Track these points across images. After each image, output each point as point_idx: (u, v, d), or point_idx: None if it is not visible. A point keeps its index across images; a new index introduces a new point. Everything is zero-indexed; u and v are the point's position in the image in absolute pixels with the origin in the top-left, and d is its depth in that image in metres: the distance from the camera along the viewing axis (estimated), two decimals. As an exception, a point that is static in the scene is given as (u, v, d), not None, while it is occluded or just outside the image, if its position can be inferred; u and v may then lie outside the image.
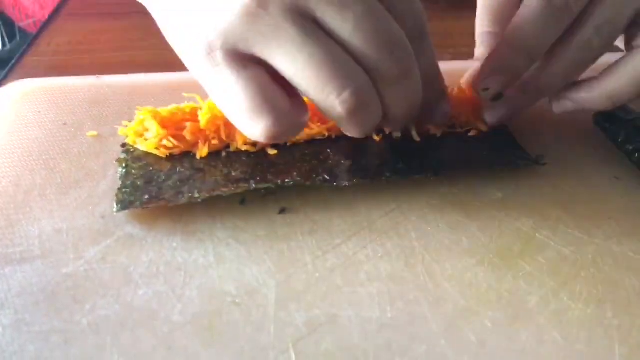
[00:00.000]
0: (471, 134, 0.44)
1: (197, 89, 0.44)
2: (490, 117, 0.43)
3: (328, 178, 0.39)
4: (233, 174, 0.39)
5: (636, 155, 0.41)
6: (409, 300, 0.32)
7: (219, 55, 0.31)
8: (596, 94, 0.40)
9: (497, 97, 0.40)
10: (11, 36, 0.97)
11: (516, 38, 0.38)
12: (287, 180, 0.39)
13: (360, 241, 0.36)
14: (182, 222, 0.37)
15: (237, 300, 0.32)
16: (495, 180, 0.41)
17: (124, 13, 0.65)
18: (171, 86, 0.50)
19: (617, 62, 0.39)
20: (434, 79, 0.38)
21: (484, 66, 0.40)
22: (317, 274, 0.34)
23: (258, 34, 0.31)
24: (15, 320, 0.31)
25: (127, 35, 0.61)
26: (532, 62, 0.39)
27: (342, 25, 0.31)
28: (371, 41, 0.31)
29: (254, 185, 0.38)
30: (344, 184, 0.38)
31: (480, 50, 0.45)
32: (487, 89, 0.39)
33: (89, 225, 0.36)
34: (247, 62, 0.32)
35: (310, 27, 0.31)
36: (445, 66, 0.40)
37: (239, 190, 0.38)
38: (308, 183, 0.38)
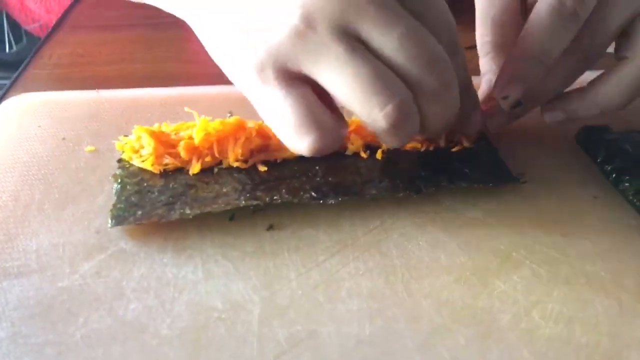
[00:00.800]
0: (455, 149, 0.45)
1: (194, 104, 0.47)
2: (491, 124, 0.45)
3: (315, 195, 0.40)
4: (224, 190, 0.41)
5: (613, 175, 0.43)
6: (387, 317, 0.34)
7: (269, 74, 0.34)
8: (586, 103, 0.42)
9: (517, 104, 0.42)
10: (18, 39, 0.99)
11: (530, 46, 0.40)
12: (275, 198, 0.40)
13: (343, 258, 0.37)
14: (173, 238, 0.38)
15: (222, 316, 0.34)
16: (476, 197, 0.42)
17: (127, 25, 0.66)
18: (169, 101, 0.52)
19: (607, 72, 0.41)
20: (468, 89, 0.40)
21: (501, 75, 0.42)
22: (300, 291, 0.35)
23: (307, 53, 0.33)
24: (12, 333, 0.32)
25: (129, 48, 0.63)
26: (546, 70, 0.40)
27: (387, 44, 0.33)
28: (414, 59, 0.33)
29: (243, 202, 0.40)
30: (330, 202, 0.40)
31: (485, 61, 0.46)
32: (506, 97, 0.41)
33: (84, 240, 0.38)
34: (295, 80, 0.34)
35: (356, 45, 0.33)
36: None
37: (228, 207, 0.39)
38: (295, 200, 0.40)
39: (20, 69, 0.59)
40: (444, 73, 0.35)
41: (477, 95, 0.43)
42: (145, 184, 0.42)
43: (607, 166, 0.44)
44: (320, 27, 0.32)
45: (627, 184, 0.42)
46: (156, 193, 0.41)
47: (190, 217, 0.38)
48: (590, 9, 0.39)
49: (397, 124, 0.34)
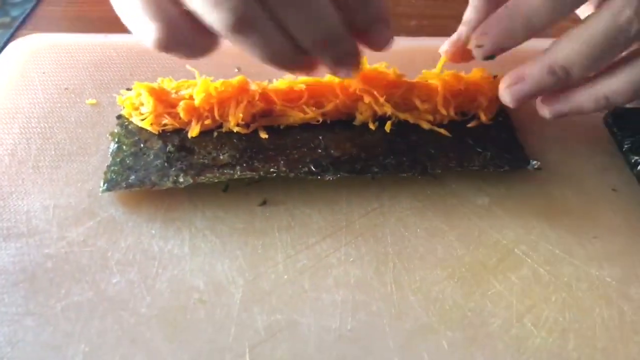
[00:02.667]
0: (470, 124, 0.43)
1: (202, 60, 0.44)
2: (507, 96, 0.40)
3: (314, 170, 0.39)
4: (221, 157, 0.40)
5: (638, 167, 0.40)
6: (371, 312, 0.33)
7: None
8: (592, 95, 0.38)
9: (489, 57, 0.38)
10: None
11: (518, 4, 0.36)
12: (272, 170, 0.39)
13: (334, 242, 0.36)
14: (164, 207, 0.37)
15: (203, 297, 0.33)
16: (485, 182, 0.40)
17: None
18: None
19: (614, 64, 0.37)
20: (330, 45, 0.34)
21: (484, 24, 0.38)
22: (286, 276, 0.34)
23: None
24: (-7, 301, 0.32)
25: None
26: (530, 33, 0.37)
27: None
28: None
29: (238, 174, 0.38)
30: (327, 178, 0.38)
31: (469, 14, 0.41)
32: (481, 46, 0.38)
33: (75, 204, 0.37)
34: None
35: None
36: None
37: (222, 178, 0.38)
38: (292, 174, 0.38)
39: (33, 4, 0.57)
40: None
41: (384, 7, 0.36)
42: (142, 145, 0.40)
43: (633, 156, 0.40)
44: None
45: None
46: (152, 156, 0.40)
47: (182, 186, 0.37)
48: None
49: (238, 27, 0.31)
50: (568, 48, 0.36)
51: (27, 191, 0.38)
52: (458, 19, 0.40)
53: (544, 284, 0.34)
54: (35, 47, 0.49)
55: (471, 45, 0.38)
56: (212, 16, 0.30)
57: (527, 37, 0.37)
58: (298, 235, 0.36)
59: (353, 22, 0.34)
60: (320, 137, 0.41)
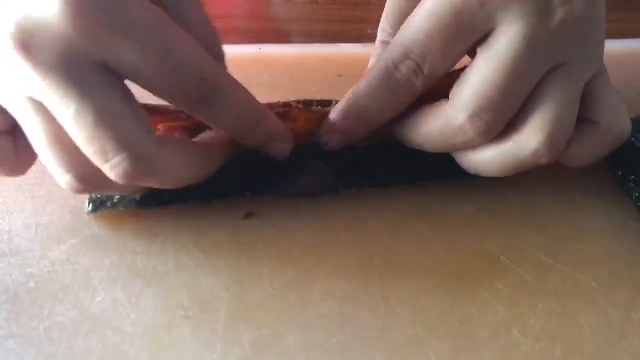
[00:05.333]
0: None
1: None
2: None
3: (298, 186, 0.38)
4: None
5: (619, 172, 0.40)
6: (358, 324, 0.32)
7: None
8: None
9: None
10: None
11: (352, 104, 0.36)
12: (260, 189, 0.38)
13: (320, 254, 0.36)
14: (148, 222, 0.37)
15: (188, 314, 0.33)
16: (471, 189, 0.40)
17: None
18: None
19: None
20: (248, 129, 0.34)
21: (325, 122, 0.37)
22: (271, 289, 0.34)
23: (5, 103, 0.32)
24: (-25, 323, 0.32)
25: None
26: (369, 129, 0.36)
27: (62, 122, 0.29)
28: (84, 145, 0.29)
29: (219, 193, 0.38)
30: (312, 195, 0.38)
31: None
32: (325, 143, 0.37)
33: (57, 222, 0.37)
34: None
35: (38, 109, 0.30)
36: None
37: (205, 197, 0.38)
38: (279, 191, 0.38)
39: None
40: (123, 166, 0.30)
41: (271, 124, 0.35)
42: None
43: (614, 161, 0.40)
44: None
45: (631, 184, 0.39)
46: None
47: (167, 204, 0.37)
48: (435, 79, 0.33)
49: (80, 192, 0.33)
50: (409, 138, 0.36)
51: (9, 209, 0.38)
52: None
53: (530, 291, 0.34)
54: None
55: (319, 139, 0.38)
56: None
57: (366, 134, 0.37)
58: (283, 247, 0.36)
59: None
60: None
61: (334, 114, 0.37)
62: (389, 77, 0.34)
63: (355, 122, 0.36)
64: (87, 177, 0.31)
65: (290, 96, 0.43)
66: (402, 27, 0.34)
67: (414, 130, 0.35)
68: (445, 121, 0.33)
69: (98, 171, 0.30)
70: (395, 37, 0.34)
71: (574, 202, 0.39)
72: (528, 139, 0.33)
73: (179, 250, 0.36)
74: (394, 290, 0.34)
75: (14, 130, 0.33)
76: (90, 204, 0.37)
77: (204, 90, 0.31)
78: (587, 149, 0.35)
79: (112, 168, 0.30)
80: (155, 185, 0.32)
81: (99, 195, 0.38)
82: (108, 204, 0.37)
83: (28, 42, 0.27)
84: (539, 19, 0.31)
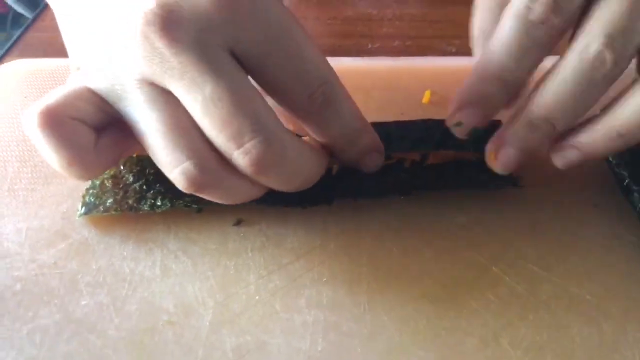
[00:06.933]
0: None
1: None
2: (497, 165, 0.36)
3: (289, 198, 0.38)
4: None
5: (625, 182, 0.39)
6: (343, 332, 0.32)
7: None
8: (601, 134, 0.33)
9: (473, 133, 0.35)
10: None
11: (487, 63, 0.33)
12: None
13: (308, 262, 0.35)
14: (138, 229, 0.37)
15: (172, 319, 0.32)
16: (463, 200, 0.39)
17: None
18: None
19: (623, 92, 0.32)
20: (353, 140, 0.34)
21: (454, 98, 0.34)
22: (257, 297, 0.33)
23: (113, 92, 0.30)
24: (-41, 325, 0.32)
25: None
26: (508, 91, 0.33)
27: (192, 105, 0.29)
28: (217, 129, 0.29)
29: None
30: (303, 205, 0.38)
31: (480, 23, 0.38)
32: (459, 124, 0.34)
33: (48, 226, 0.37)
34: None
35: (158, 95, 0.29)
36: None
37: (198, 205, 0.38)
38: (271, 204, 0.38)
39: (20, 31, 0.58)
40: (257, 149, 0.29)
41: (371, 136, 0.35)
42: (121, 167, 0.40)
43: (620, 170, 0.39)
44: (125, 75, 0.30)
45: (636, 195, 0.38)
46: (131, 179, 0.39)
47: (159, 211, 0.37)
48: (572, 13, 0.31)
49: (197, 187, 0.30)
50: (543, 101, 0.32)
51: (1, 214, 0.38)
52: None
53: (521, 302, 0.33)
54: (18, 72, 0.50)
55: (448, 124, 0.35)
56: (173, 175, 0.30)
57: (505, 99, 0.34)
58: (271, 255, 0.36)
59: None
60: None
61: (465, 82, 0.34)
62: (524, 20, 0.31)
63: (492, 83, 0.33)
64: (209, 167, 0.29)
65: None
66: None
67: (548, 89, 0.32)
68: (579, 58, 0.30)
69: (221, 161, 0.30)
70: None
71: (568, 214, 0.39)
72: (590, 42, 0.30)
73: (166, 256, 0.36)
74: (381, 299, 0.33)
75: (101, 129, 0.32)
76: (83, 207, 0.37)
77: (327, 94, 0.31)
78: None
79: (245, 153, 0.29)
80: (275, 181, 0.31)
81: (92, 199, 0.38)
82: (100, 207, 0.37)
83: (166, 18, 0.27)
84: None
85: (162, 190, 0.38)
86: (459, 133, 0.35)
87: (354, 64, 0.52)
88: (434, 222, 0.38)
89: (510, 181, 0.39)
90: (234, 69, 0.28)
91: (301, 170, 0.32)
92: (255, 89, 0.29)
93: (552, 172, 0.40)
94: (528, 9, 0.31)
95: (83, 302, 0.33)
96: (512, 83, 0.33)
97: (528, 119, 0.33)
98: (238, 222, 0.38)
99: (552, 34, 0.31)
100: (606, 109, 0.33)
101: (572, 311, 0.33)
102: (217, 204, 0.37)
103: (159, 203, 0.37)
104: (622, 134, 0.32)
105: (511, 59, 0.32)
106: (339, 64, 0.54)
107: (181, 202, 0.37)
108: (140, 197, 0.38)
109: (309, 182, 0.33)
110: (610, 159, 0.41)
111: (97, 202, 0.38)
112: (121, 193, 0.38)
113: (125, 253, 0.36)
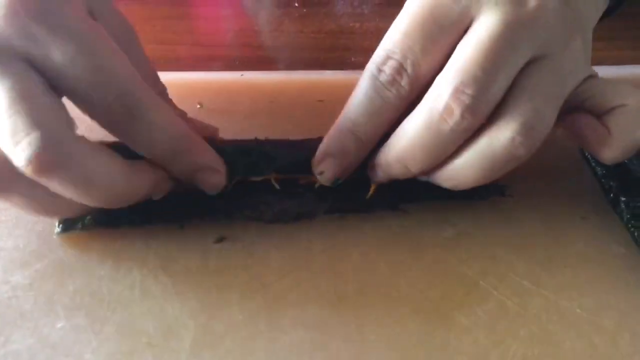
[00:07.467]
0: None
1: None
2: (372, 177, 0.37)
3: (274, 212, 0.37)
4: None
5: (611, 195, 0.39)
6: (330, 352, 0.31)
7: None
8: (438, 177, 0.35)
9: (335, 181, 0.36)
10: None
11: (343, 118, 0.34)
12: (233, 215, 0.37)
13: (293, 280, 0.34)
14: (116, 247, 0.36)
15: (152, 341, 0.31)
16: (451, 213, 0.38)
17: None
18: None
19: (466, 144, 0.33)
20: (173, 155, 0.33)
21: (318, 151, 0.36)
22: (240, 316, 0.32)
23: None
24: None
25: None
26: (362, 146, 0.35)
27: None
28: None
29: (191, 215, 0.37)
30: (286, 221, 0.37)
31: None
32: (321, 173, 0.36)
33: (23, 246, 0.36)
34: None
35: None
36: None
37: (179, 220, 0.37)
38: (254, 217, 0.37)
39: None
40: (33, 147, 0.28)
41: (202, 154, 0.34)
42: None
43: (607, 182, 0.39)
44: None
45: (623, 206, 0.38)
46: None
47: (137, 225, 0.36)
48: (421, 76, 0.33)
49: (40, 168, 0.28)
50: (397, 146, 0.34)
51: (-26, 234, 0.37)
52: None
53: (511, 317, 0.33)
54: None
55: (314, 171, 0.36)
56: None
57: (362, 153, 0.35)
58: (255, 273, 0.35)
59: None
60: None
61: (326, 138, 0.36)
62: (374, 81, 0.33)
63: (347, 137, 0.34)
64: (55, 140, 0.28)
65: (270, 121, 0.42)
66: (385, 35, 0.34)
67: (400, 139, 0.34)
68: (429, 108, 0.32)
69: (5, 164, 0.29)
70: (379, 45, 0.34)
71: (558, 226, 0.38)
72: (503, 127, 0.31)
73: (146, 276, 0.34)
74: (369, 317, 0.33)
75: None
76: (60, 225, 0.36)
77: (127, 106, 0.30)
78: (628, 132, 0.34)
79: (23, 150, 0.28)
80: (63, 187, 0.30)
81: (69, 217, 0.36)
82: (79, 225, 0.36)
83: None
84: (513, 7, 0.31)
85: (142, 205, 0.37)
86: (323, 181, 0.36)
87: (336, 78, 0.52)
88: (421, 236, 0.37)
89: (497, 190, 0.39)
90: (23, 72, 0.28)
91: (97, 178, 0.30)
92: (50, 94, 0.29)
93: (539, 184, 0.40)
94: (379, 71, 0.33)
95: (59, 325, 0.32)
96: (365, 139, 0.34)
97: (385, 158, 0.35)
98: (220, 239, 0.37)
99: (402, 95, 0.33)
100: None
101: (563, 325, 0.32)
102: (199, 219, 0.37)
103: (138, 219, 0.36)
104: (452, 179, 0.35)
105: (363, 116, 0.34)
106: (322, 77, 0.54)
107: (159, 218, 0.36)
108: (119, 214, 0.37)
109: (118, 194, 0.32)
110: (598, 170, 0.41)
111: (75, 220, 0.37)
112: (98, 209, 0.37)
113: (102, 273, 0.35)
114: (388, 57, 0.33)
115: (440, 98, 0.31)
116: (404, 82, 0.33)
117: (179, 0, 0.56)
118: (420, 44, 0.32)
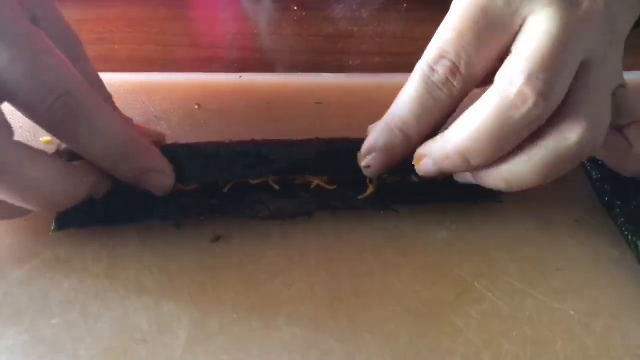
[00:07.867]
0: None
1: (162, 92, 0.44)
2: (419, 169, 0.36)
3: (271, 210, 0.37)
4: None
5: (606, 198, 0.39)
6: (323, 351, 0.31)
7: None
8: (492, 176, 0.34)
9: (380, 176, 0.37)
10: None
11: (392, 115, 0.35)
12: (230, 212, 0.37)
13: (288, 278, 0.35)
14: (111, 245, 0.36)
15: (146, 338, 0.31)
16: (445, 215, 0.39)
17: (109, 1, 0.63)
18: (136, 88, 0.49)
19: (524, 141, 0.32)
20: (116, 158, 0.33)
21: (365, 144, 0.36)
22: (235, 315, 0.33)
23: None
24: None
25: (109, 26, 0.60)
26: (410, 143, 0.35)
27: None
28: None
29: (187, 214, 0.37)
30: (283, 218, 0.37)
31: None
32: (368, 167, 0.36)
33: (19, 244, 0.36)
34: None
35: None
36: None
37: (175, 218, 0.37)
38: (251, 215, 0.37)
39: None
40: None
41: (147, 156, 0.34)
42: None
43: (602, 185, 0.39)
44: None
45: (617, 210, 0.38)
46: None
47: (134, 223, 0.36)
48: (474, 77, 0.32)
49: None
50: (460, 136, 0.32)
51: (-29, 231, 0.37)
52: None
53: (504, 319, 0.33)
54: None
55: (360, 164, 0.37)
56: None
57: (409, 150, 0.35)
58: (250, 271, 0.35)
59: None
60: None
61: (373, 132, 0.36)
62: (426, 80, 0.33)
63: (395, 134, 0.35)
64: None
65: (268, 123, 0.42)
66: (436, 32, 0.33)
67: (462, 129, 0.32)
68: (500, 95, 0.31)
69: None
70: (430, 43, 0.33)
71: (551, 229, 0.38)
72: (571, 126, 0.31)
73: (141, 273, 0.35)
74: (362, 316, 0.33)
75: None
76: (56, 223, 0.36)
77: (68, 107, 0.30)
78: None
79: None
80: (10, 195, 0.30)
81: (65, 214, 0.37)
82: (75, 222, 0.36)
83: None
84: (566, 6, 0.31)
85: (139, 203, 0.37)
86: (369, 174, 0.37)
87: (335, 80, 0.52)
88: (416, 238, 0.37)
89: (492, 197, 0.39)
90: None
91: (36, 183, 0.30)
92: None
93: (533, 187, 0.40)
94: (431, 70, 0.32)
95: (53, 321, 0.32)
96: (413, 136, 0.35)
97: (443, 149, 0.33)
98: (216, 239, 0.37)
99: (453, 95, 0.33)
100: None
101: (556, 327, 0.32)
102: (195, 219, 0.37)
103: (134, 217, 0.36)
104: (507, 180, 0.34)
105: (413, 115, 0.34)
106: (320, 79, 0.54)
107: (154, 216, 0.37)
108: (116, 212, 0.37)
109: (59, 197, 0.32)
110: (593, 174, 0.41)
111: (72, 217, 0.37)
112: (94, 207, 0.37)
113: (98, 271, 0.35)
114: (441, 57, 0.32)
115: (513, 85, 0.30)
116: (457, 82, 0.32)
117: (178, 3, 0.56)
118: (474, 44, 0.32)
